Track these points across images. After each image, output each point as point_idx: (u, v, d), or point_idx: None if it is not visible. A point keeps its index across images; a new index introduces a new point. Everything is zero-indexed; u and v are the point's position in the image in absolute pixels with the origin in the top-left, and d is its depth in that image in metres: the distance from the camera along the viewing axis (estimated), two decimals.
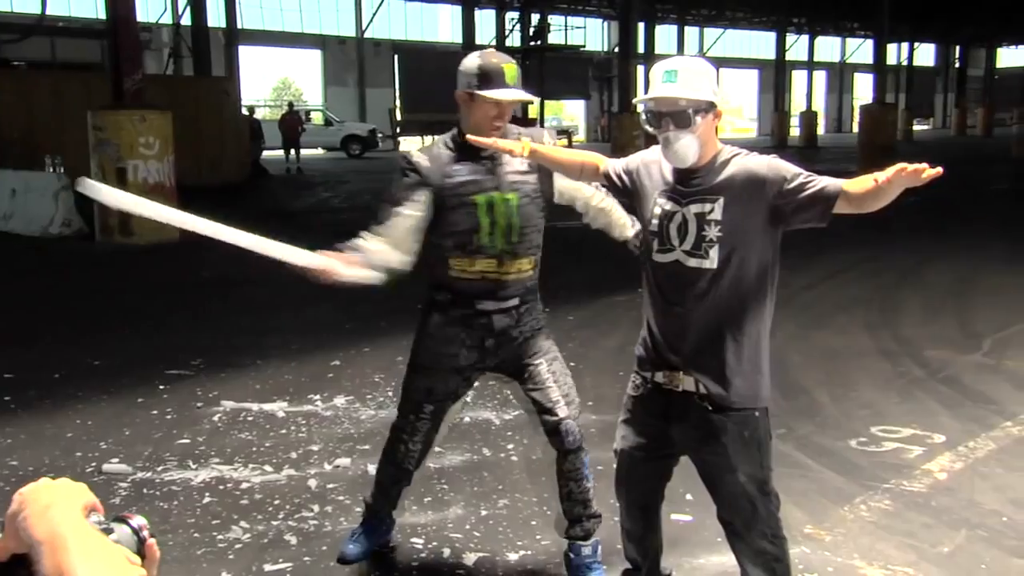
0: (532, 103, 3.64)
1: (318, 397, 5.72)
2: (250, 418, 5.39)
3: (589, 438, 5.01)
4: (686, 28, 47.63)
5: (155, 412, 5.53)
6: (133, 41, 12.88)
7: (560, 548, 3.73)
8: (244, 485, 4.44)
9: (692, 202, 2.69)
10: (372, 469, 4.57)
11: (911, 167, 2.32)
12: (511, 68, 3.20)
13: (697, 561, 3.64)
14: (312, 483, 4.45)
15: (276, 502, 4.23)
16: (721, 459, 2.73)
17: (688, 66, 2.67)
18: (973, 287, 8.04)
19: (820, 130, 45.98)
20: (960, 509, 4.13)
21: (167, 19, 31.62)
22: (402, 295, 8.45)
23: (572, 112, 54.96)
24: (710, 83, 2.65)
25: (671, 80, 2.62)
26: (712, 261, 2.64)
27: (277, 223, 15.88)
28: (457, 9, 34.38)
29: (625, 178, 2.93)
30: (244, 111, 25.99)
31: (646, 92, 2.73)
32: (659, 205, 2.76)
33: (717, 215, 2.64)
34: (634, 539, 3.09)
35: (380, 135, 36.60)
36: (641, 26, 31.40)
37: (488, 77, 3.15)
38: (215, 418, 5.40)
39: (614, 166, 2.98)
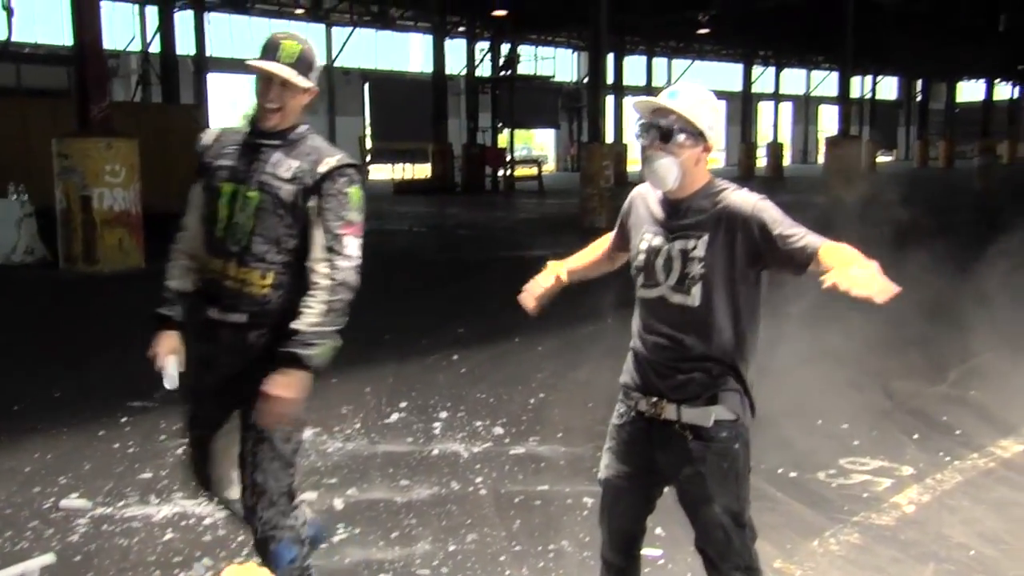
0: (292, 81, 2.85)
1: None
2: None
3: (558, 470, 5.03)
4: (654, 59, 48.12)
5: (116, 445, 5.40)
6: (100, 68, 12.78)
7: None
8: (207, 521, 4.31)
9: (678, 238, 2.68)
10: (339, 504, 4.53)
11: (868, 293, 2.29)
12: (291, 45, 2.89)
13: None
14: None
15: (240, 538, 4.09)
16: (698, 488, 2.71)
17: (694, 91, 2.69)
18: (938, 319, 8.08)
19: (786, 161, 46.47)
20: (928, 543, 4.11)
21: (135, 46, 31.41)
22: (371, 325, 8.34)
23: (541, 141, 55.11)
24: (709, 116, 2.66)
25: (673, 96, 2.65)
26: (694, 299, 2.64)
27: None
28: (428, 39, 34.51)
29: (623, 233, 2.95)
30: None
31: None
32: (646, 240, 2.75)
33: (700, 252, 2.64)
34: (613, 571, 3.03)
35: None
36: (610, 57, 31.67)
37: (262, 50, 2.90)
38: (178, 451, 5.21)
39: (613, 236, 3.01)
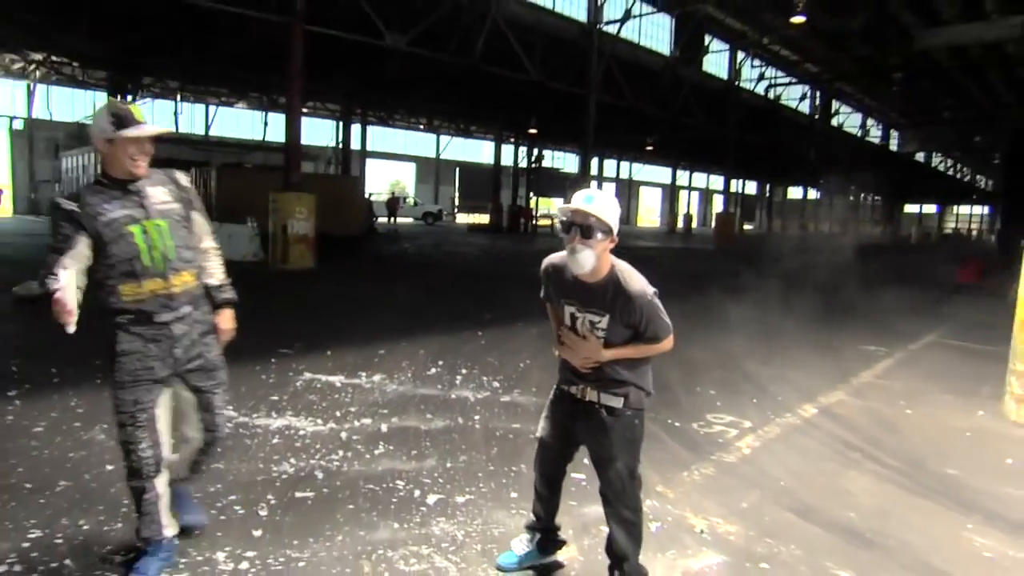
0: (164, 132, 2.54)
1: (364, 374, 5.12)
2: (318, 385, 4.80)
3: (529, 414, 4.37)
4: (621, 162, 47.22)
5: (263, 377, 4.96)
6: (296, 156, 12.51)
7: (495, 495, 3.16)
8: (300, 432, 3.86)
9: (588, 311, 2.22)
10: (384, 427, 3.99)
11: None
12: (137, 109, 2.24)
13: (583, 510, 3.07)
14: (343, 435, 3.86)
15: (317, 446, 3.65)
16: (606, 450, 2.28)
17: (604, 197, 2.16)
18: (775, 326, 7.49)
19: (695, 224, 45.28)
20: (756, 476, 3.56)
21: (331, 142, 31.44)
22: (436, 310, 7.77)
23: (557, 205, 54.42)
24: (614, 216, 2.15)
25: (589, 201, 2.12)
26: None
27: (378, 259, 15.53)
28: (492, 143, 34.04)
29: (548, 296, 2.42)
30: (367, 196, 25.56)
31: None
32: (568, 309, 2.28)
33: (604, 325, 2.19)
34: (542, 500, 2.58)
35: (445, 212, 36.43)
36: (595, 160, 30.97)
37: (122, 120, 2.18)
38: (298, 384, 4.82)
39: (544, 297, 2.45)
